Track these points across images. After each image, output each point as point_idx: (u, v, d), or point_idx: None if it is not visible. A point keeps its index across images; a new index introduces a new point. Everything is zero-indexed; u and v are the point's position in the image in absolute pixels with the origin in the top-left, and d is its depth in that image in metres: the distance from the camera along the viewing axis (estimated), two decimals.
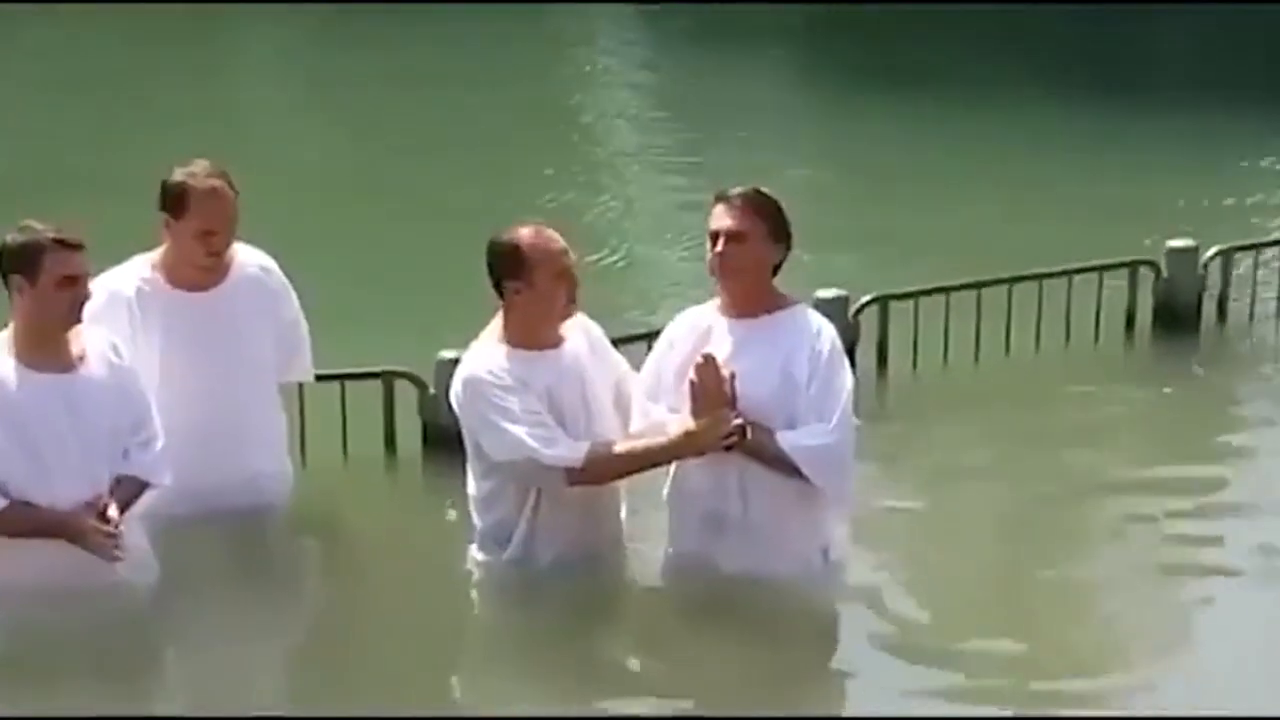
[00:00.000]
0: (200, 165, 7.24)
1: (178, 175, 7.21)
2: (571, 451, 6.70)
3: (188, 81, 16.98)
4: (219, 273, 7.30)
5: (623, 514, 7.11)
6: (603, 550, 7.07)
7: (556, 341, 6.87)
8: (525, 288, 6.76)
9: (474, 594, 7.15)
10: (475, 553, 7.06)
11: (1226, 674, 6.59)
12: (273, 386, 7.54)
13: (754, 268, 6.78)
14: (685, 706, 6.47)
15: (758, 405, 6.67)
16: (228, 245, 7.26)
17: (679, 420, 6.72)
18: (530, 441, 6.67)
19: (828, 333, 6.80)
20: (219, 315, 7.29)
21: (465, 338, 7.04)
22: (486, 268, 6.83)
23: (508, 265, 6.78)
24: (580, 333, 6.96)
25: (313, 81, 17.66)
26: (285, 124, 15.93)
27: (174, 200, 7.19)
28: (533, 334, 6.82)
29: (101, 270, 7.06)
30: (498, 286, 6.82)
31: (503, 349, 6.81)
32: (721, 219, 6.77)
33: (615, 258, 12.01)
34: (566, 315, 6.87)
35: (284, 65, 18.54)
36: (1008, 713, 6.38)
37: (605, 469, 6.79)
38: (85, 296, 6.66)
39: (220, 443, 7.27)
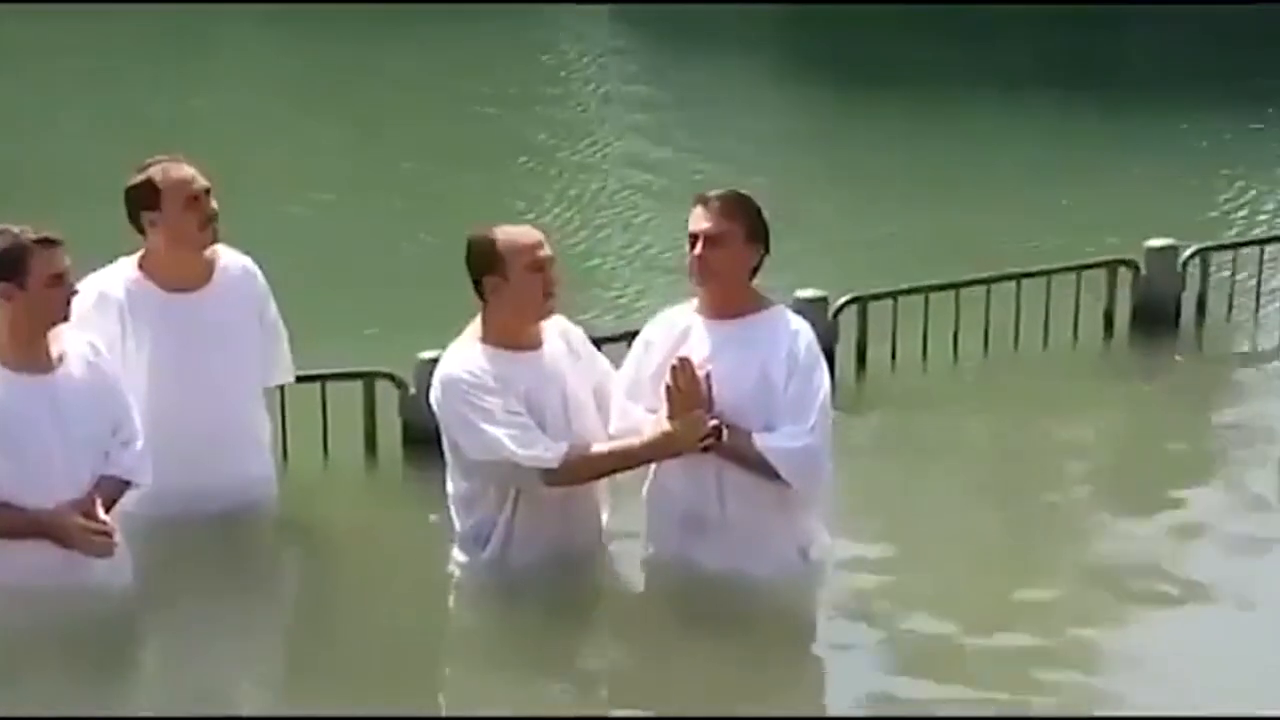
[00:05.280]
0: (152, 160, 7.24)
1: (136, 178, 7.21)
2: (549, 452, 6.70)
3: (164, 83, 16.96)
4: (209, 271, 7.30)
5: (603, 515, 7.12)
6: (582, 551, 7.07)
7: (536, 343, 6.87)
8: (501, 281, 6.76)
9: (453, 595, 7.14)
10: (456, 554, 7.06)
11: (1216, 670, 6.59)
12: (259, 388, 7.54)
13: (732, 270, 6.79)
14: (665, 708, 6.45)
15: (735, 406, 6.68)
16: (216, 214, 7.22)
17: (655, 421, 6.74)
18: (508, 442, 6.66)
19: (805, 334, 6.81)
20: (206, 316, 7.29)
21: (445, 338, 7.03)
22: (466, 266, 6.84)
23: (484, 260, 6.79)
24: (559, 335, 6.96)
25: (292, 84, 17.63)
26: (265, 125, 15.90)
27: (144, 196, 7.18)
28: (512, 334, 6.82)
29: (83, 273, 7.04)
30: (477, 285, 6.83)
31: (482, 349, 6.80)
32: (700, 221, 6.78)
33: (594, 259, 12.03)
34: (545, 314, 6.87)
35: (264, 66, 18.52)
36: (994, 713, 6.37)
37: (582, 470, 6.79)
38: (74, 292, 6.66)
39: (210, 444, 7.27)
